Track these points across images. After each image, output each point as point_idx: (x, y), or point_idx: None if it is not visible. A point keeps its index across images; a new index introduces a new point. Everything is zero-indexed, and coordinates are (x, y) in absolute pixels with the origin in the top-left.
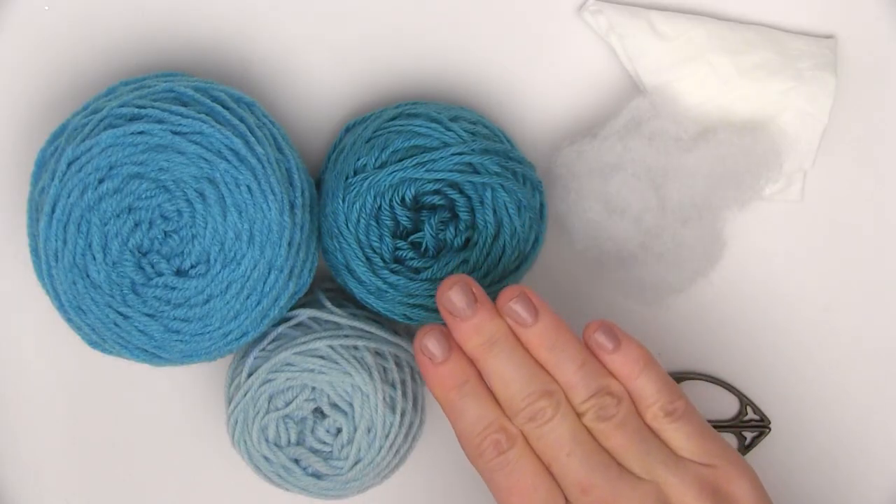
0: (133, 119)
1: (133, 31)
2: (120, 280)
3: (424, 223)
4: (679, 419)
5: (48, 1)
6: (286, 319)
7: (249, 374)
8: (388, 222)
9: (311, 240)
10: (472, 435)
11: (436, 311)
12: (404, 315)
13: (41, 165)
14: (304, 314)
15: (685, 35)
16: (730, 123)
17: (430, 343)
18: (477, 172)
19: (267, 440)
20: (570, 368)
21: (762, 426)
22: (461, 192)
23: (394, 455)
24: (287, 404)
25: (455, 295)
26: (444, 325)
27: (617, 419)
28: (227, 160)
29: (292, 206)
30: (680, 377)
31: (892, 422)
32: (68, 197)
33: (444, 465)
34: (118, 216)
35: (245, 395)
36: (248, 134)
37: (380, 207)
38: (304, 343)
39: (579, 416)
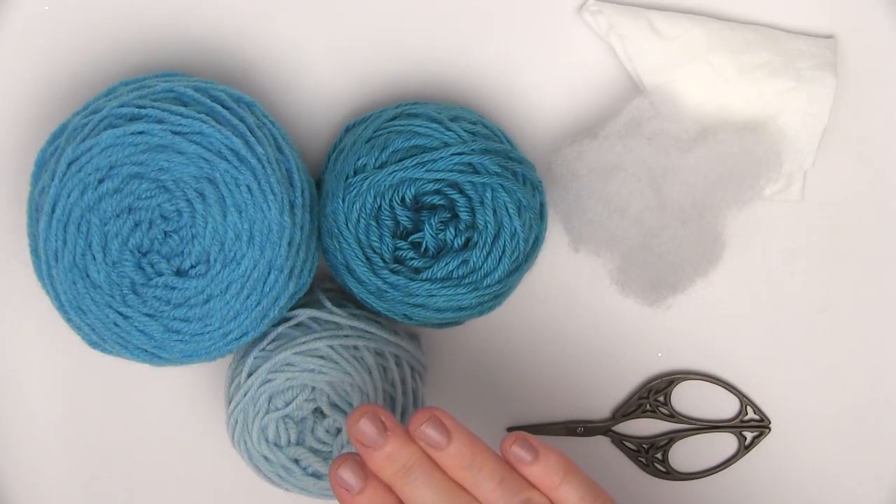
0: (133, 119)
1: (133, 31)
2: (120, 280)
3: (424, 223)
4: None
5: (48, 1)
6: (286, 319)
7: (249, 374)
8: (388, 222)
9: (311, 240)
10: None
11: (436, 311)
12: (404, 315)
13: (41, 165)
14: (304, 314)
15: (685, 35)
16: (730, 123)
17: (344, 473)
18: (477, 172)
19: (267, 440)
20: (490, 486)
21: (762, 426)
22: (461, 192)
23: None
24: (287, 404)
25: (365, 425)
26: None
27: None
28: (227, 160)
29: (292, 206)
30: (680, 377)
31: (892, 421)
32: (68, 197)
33: None
34: (118, 216)
35: (245, 395)
36: (248, 134)
37: (380, 207)
38: (304, 343)
39: None
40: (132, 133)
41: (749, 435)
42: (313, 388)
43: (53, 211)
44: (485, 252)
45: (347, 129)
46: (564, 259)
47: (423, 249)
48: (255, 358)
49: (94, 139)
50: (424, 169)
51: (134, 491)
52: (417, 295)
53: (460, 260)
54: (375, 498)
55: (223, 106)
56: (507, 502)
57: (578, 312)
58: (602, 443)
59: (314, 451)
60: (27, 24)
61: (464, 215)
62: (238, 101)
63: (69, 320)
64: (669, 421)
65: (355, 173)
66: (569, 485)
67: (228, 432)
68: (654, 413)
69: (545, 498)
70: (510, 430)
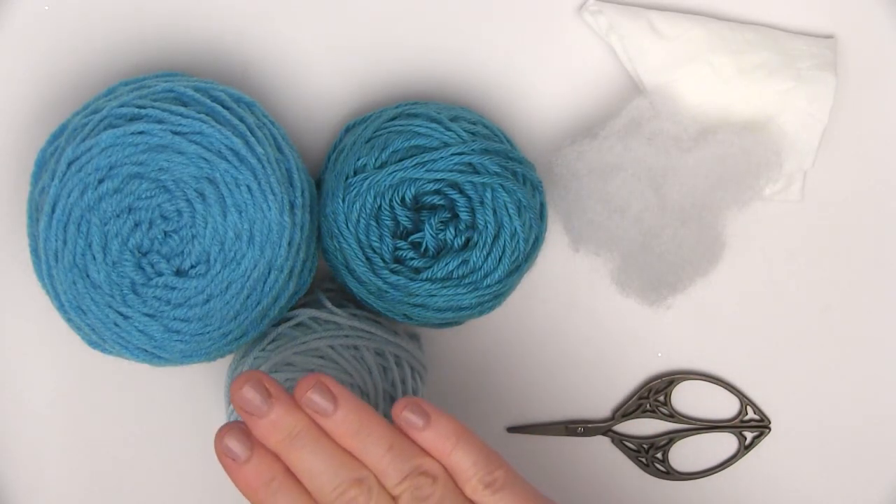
0: (133, 119)
1: (133, 31)
2: (120, 280)
3: (424, 223)
4: (500, 489)
5: (48, 1)
6: (286, 319)
7: None
8: (388, 222)
9: (311, 240)
10: None
11: (436, 311)
12: (404, 315)
13: (41, 165)
14: (304, 314)
15: (685, 35)
16: (730, 123)
17: (230, 442)
18: (477, 172)
19: None
20: (378, 452)
21: (762, 426)
22: (461, 192)
23: None
24: None
25: (248, 392)
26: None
27: (434, 499)
28: (227, 160)
29: (292, 206)
30: (680, 377)
31: (892, 422)
32: (68, 197)
33: None
34: (118, 216)
35: None
36: (248, 134)
37: (380, 207)
38: (304, 343)
39: (395, 499)
40: (132, 133)
41: (749, 435)
42: None
43: (53, 211)
44: (485, 252)
45: (347, 129)
46: (564, 259)
47: (423, 249)
48: (255, 358)
49: (94, 139)
50: (424, 169)
51: (133, 491)
52: (417, 295)
53: (460, 260)
54: (262, 466)
55: (223, 106)
56: (397, 469)
57: (578, 312)
58: (602, 443)
59: None
60: (27, 24)
61: (464, 215)
62: (238, 101)
63: (69, 320)
64: (669, 421)
65: (355, 173)
66: (462, 450)
67: None
68: (654, 413)
69: (438, 464)
70: (510, 430)
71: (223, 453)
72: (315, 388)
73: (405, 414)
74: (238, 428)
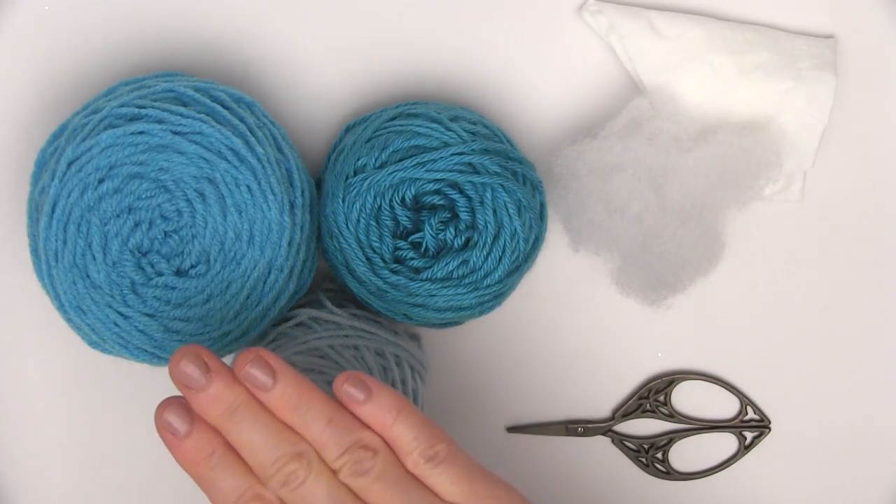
0: (133, 119)
1: (133, 31)
2: (120, 280)
3: (424, 223)
4: (441, 463)
5: (48, 1)
6: (286, 319)
7: None
8: (388, 222)
9: (311, 240)
10: None
11: (436, 311)
12: (404, 315)
13: (41, 165)
14: (304, 314)
15: (685, 35)
16: (730, 123)
17: (170, 417)
18: (477, 172)
19: None
20: (318, 426)
21: (762, 426)
22: (461, 192)
23: None
24: None
25: (186, 366)
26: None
27: (374, 472)
28: (227, 160)
29: (292, 206)
30: (680, 377)
31: (892, 422)
32: (68, 197)
33: None
34: (118, 216)
35: None
36: (248, 134)
37: (380, 207)
38: (304, 343)
39: (335, 473)
40: (132, 133)
41: (749, 435)
42: None
43: (53, 211)
44: (485, 252)
45: (347, 129)
46: (564, 259)
47: (423, 249)
48: None
49: (94, 139)
50: (424, 169)
51: (134, 491)
52: (417, 295)
53: (460, 260)
54: (202, 441)
55: (223, 106)
56: (337, 443)
57: (578, 312)
58: (602, 443)
59: None
60: (27, 24)
61: (464, 215)
62: (238, 101)
63: (69, 320)
64: (669, 421)
65: (355, 173)
66: (403, 423)
67: None
68: (654, 413)
69: (378, 438)
70: (510, 429)
71: (163, 428)
72: (254, 361)
73: (346, 387)
74: (178, 402)
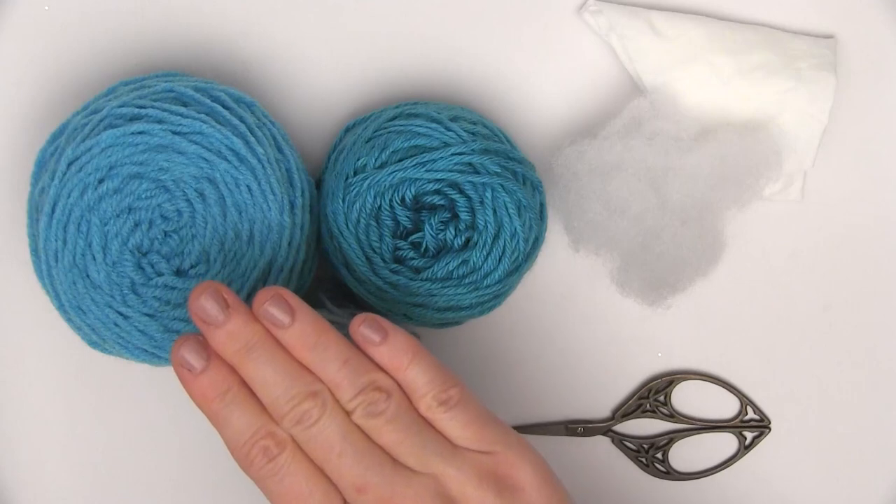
0: (133, 119)
1: (133, 31)
2: (120, 280)
3: (424, 223)
4: (454, 408)
5: (48, 1)
6: None
7: None
8: (388, 222)
9: (311, 240)
10: (239, 444)
11: (436, 311)
12: (404, 315)
13: (41, 165)
14: None
15: (685, 35)
16: (730, 123)
17: (186, 353)
18: (477, 172)
19: None
20: (334, 366)
21: (762, 426)
22: (461, 192)
23: None
24: None
25: (206, 302)
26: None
27: (387, 414)
28: (227, 160)
29: (292, 206)
30: (680, 377)
31: (892, 422)
32: (68, 197)
33: None
34: (118, 216)
35: None
36: (248, 134)
37: (380, 207)
38: None
39: (348, 414)
40: (132, 133)
41: (749, 435)
42: None
43: (53, 211)
44: (485, 252)
45: (347, 129)
46: (564, 259)
47: (423, 249)
48: None
49: (94, 139)
50: (424, 169)
51: (134, 491)
52: (417, 295)
53: (460, 260)
54: (218, 377)
55: (223, 106)
56: (352, 383)
57: (578, 312)
58: (602, 443)
59: None
60: (27, 24)
61: (464, 215)
62: (238, 101)
63: (69, 320)
64: (669, 421)
65: (355, 173)
66: (417, 366)
67: None
68: (654, 413)
69: (391, 380)
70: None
71: (178, 364)
72: (272, 300)
73: (362, 329)
74: (194, 339)
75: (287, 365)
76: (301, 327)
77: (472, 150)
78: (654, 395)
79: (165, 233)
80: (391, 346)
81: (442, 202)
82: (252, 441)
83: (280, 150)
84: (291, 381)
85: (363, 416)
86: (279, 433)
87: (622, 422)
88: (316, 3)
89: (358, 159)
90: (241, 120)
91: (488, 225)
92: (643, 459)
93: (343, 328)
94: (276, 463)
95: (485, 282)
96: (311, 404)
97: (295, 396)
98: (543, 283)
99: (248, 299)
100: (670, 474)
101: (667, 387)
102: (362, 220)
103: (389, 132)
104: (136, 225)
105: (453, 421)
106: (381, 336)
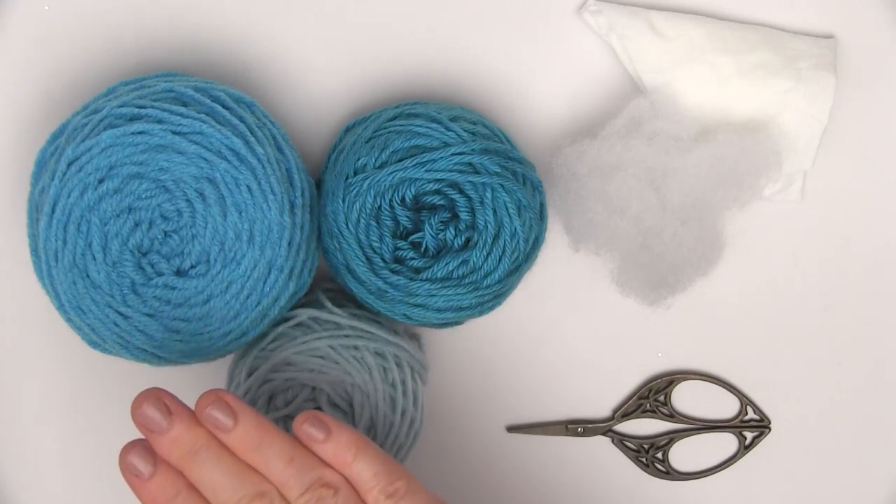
0: (133, 119)
1: (133, 31)
2: (120, 280)
3: (424, 223)
4: (401, 500)
5: (48, 1)
6: (286, 319)
7: (249, 374)
8: (388, 222)
9: (311, 240)
10: None
11: (436, 311)
12: (404, 315)
13: (41, 165)
14: (304, 314)
15: (685, 35)
16: (730, 123)
17: (133, 459)
18: (477, 172)
19: None
20: (279, 465)
21: (762, 426)
22: (461, 192)
23: (394, 454)
24: (287, 404)
25: (148, 409)
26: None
27: None
28: (227, 160)
29: (292, 206)
30: (680, 377)
31: (892, 422)
32: (68, 197)
33: (446, 463)
34: (118, 216)
35: (245, 395)
36: (248, 134)
37: (380, 207)
38: (304, 343)
39: None
40: (132, 133)
41: (749, 435)
42: (313, 388)
43: (53, 211)
44: (485, 252)
45: (347, 129)
46: (564, 259)
47: (423, 249)
48: (255, 358)
49: (94, 139)
50: (424, 169)
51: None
52: (417, 295)
53: (460, 260)
54: (166, 482)
55: (223, 106)
56: (298, 481)
57: (578, 312)
58: (602, 443)
59: None
60: (27, 24)
61: (464, 215)
62: (238, 101)
63: (69, 320)
64: (669, 421)
65: (355, 173)
66: (362, 461)
67: None
68: (654, 413)
69: (339, 476)
70: (510, 429)
71: (127, 469)
72: (214, 403)
73: (305, 427)
74: (141, 444)
75: (233, 467)
76: (244, 429)
77: (472, 150)
78: (654, 395)
79: (165, 233)
80: (335, 443)
81: (442, 202)
82: None
83: (280, 150)
84: (238, 483)
85: None
86: None
87: (622, 422)
88: (316, 4)
89: (358, 159)
90: (241, 120)
91: (488, 225)
92: (643, 459)
93: (341, 328)
94: None
95: (485, 282)
96: None
97: (243, 498)
98: (543, 283)
99: (249, 298)
100: (670, 474)
101: (667, 387)
102: (362, 220)
103: (389, 132)
104: (137, 225)
105: None
106: (325, 433)
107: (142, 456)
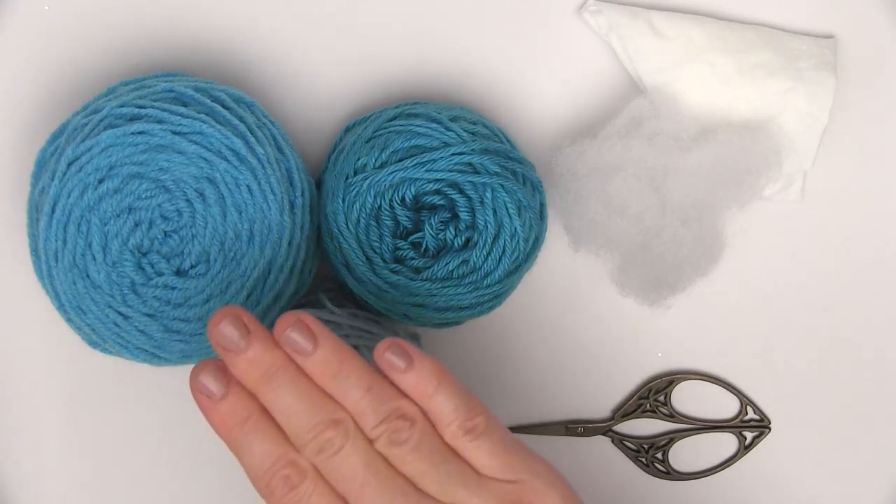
0: (133, 119)
1: (133, 31)
2: (120, 280)
3: (424, 223)
4: (479, 436)
5: (48, 1)
6: None
7: None
8: (388, 222)
9: (311, 240)
10: (259, 472)
11: (436, 311)
12: (404, 315)
13: (41, 165)
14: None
15: (685, 35)
16: (730, 123)
17: (205, 379)
18: (477, 172)
19: None
20: (357, 394)
21: (762, 426)
22: (461, 192)
23: None
24: None
25: (226, 328)
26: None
27: (411, 443)
28: (227, 160)
29: (292, 206)
30: (680, 377)
31: (892, 422)
32: (68, 197)
33: None
34: (118, 216)
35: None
36: (248, 134)
37: (380, 207)
38: None
39: (371, 442)
40: (132, 133)
41: (749, 435)
42: None
43: (53, 211)
44: (485, 252)
45: (347, 129)
46: (564, 259)
47: (423, 249)
48: None
49: (94, 139)
50: (424, 169)
51: (134, 491)
52: (417, 295)
53: (460, 260)
54: (238, 405)
55: (223, 106)
56: (375, 411)
57: (578, 312)
58: (602, 443)
59: None
60: (27, 24)
61: (464, 215)
62: (238, 101)
63: (69, 320)
64: (669, 421)
65: (355, 173)
66: (443, 394)
67: None
68: (654, 413)
69: (417, 408)
70: (510, 429)
71: (197, 390)
72: (294, 326)
73: (387, 355)
74: (214, 365)
75: (309, 392)
76: (324, 354)
77: (472, 150)
78: (654, 395)
79: (165, 233)
80: (417, 373)
81: (442, 202)
82: (273, 470)
83: (280, 150)
84: (313, 409)
85: (387, 445)
86: (301, 462)
87: (622, 422)
88: (316, 4)
89: (358, 159)
90: (241, 120)
91: (488, 225)
92: (643, 459)
93: (341, 329)
94: (297, 492)
95: (485, 282)
96: (333, 433)
97: (317, 425)
98: (543, 283)
99: (249, 298)
100: (670, 474)
101: (667, 387)
102: (362, 220)
103: (389, 132)
104: (136, 225)
105: (479, 450)
106: (407, 362)
107: (214, 376)
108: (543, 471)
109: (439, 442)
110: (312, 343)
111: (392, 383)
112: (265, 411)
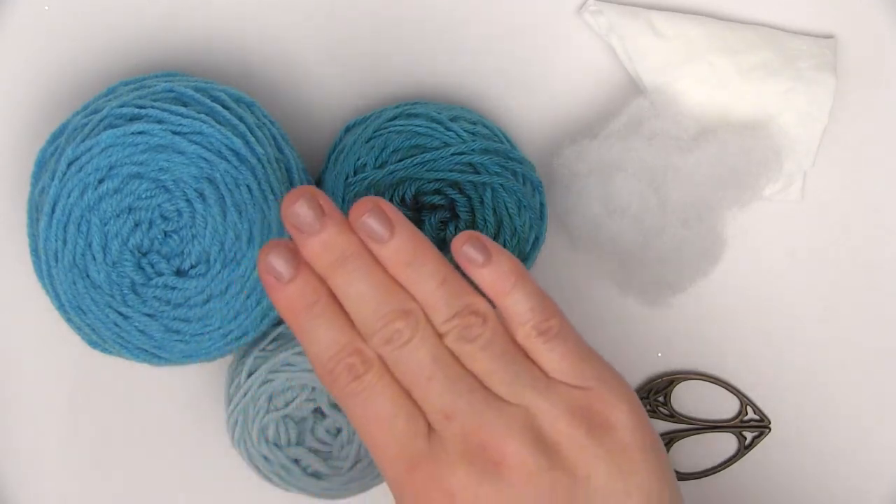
0: (133, 119)
1: (133, 31)
2: (120, 280)
3: (424, 223)
4: (553, 339)
5: (48, 1)
6: None
7: (249, 374)
8: None
9: None
10: (324, 359)
11: None
12: None
13: (41, 165)
14: None
15: (685, 35)
16: (730, 123)
17: (274, 260)
18: (477, 172)
19: (267, 440)
20: (430, 286)
21: (762, 426)
22: (461, 191)
23: None
24: (287, 404)
25: (301, 208)
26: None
27: (482, 340)
28: (227, 160)
29: None
30: (680, 377)
31: (892, 422)
32: (68, 197)
33: None
34: (118, 216)
35: (245, 395)
36: (248, 134)
37: None
38: None
39: (441, 337)
40: (132, 133)
41: (749, 435)
42: (313, 388)
43: (53, 211)
44: None
45: (347, 129)
46: (564, 259)
47: None
48: (255, 358)
49: (94, 139)
50: (425, 169)
51: (133, 491)
52: None
53: None
54: (306, 288)
55: (223, 106)
56: (447, 305)
57: (578, 312)
58: None
59: (314, 452)
60: (27, 24)
61: (464, 215)
62: (238, 101)
63: (69, 320)
64: (669, 421)
65: (355, 173)
66: (520, 292)
67: (228, 433)
68: (654, 413)
69: (489, 305)
70: None
71: (266, 271)
72: (371, 212)
73: (465, 248)
74: (284, 245)
75: (381, 280)
76: (399, 242)
77: (472, 150)
78: (654, 395)
79: (165, 233)
80: (495, 269)
81: (442, 202)
82: (338, 357)
83: (280, 150)
84: (384, 298)
85: (456, 341)
86: (367, 351)
87: None
88: (316, 4)
89: (358, 159)
90: (241, 120)
91: (488, 224)
92: None
93: None
94: (360, 382)
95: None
96: (402, 323)
97: (387, 314)
98: (543, 283)
99: (249, 299)
100: None
101: (667, 387)
102: None
103: (389, 132)
104: (136, 225)
105: (551, 353)
106: (485, 256)
107: (284, 257)
108: (613, 380)
109: (510, 342)
110: (389, 230)
111: (467, 279)
112: (333, 297)
